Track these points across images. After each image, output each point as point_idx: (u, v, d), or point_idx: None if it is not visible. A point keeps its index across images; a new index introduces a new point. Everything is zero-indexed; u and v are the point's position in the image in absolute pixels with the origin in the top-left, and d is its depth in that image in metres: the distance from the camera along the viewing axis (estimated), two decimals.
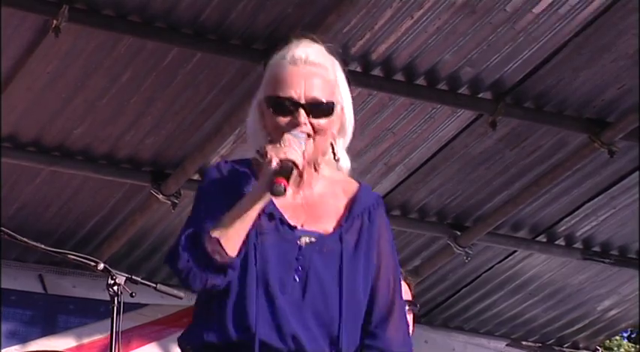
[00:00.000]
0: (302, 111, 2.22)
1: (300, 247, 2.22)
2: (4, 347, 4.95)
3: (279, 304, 2.18)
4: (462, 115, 5.04)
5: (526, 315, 6.28)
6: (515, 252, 5.89)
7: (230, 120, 4.89)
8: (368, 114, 5.01)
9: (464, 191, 5.50)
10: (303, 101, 2.23)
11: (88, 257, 3.83)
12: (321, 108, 2.24)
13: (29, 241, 3.77)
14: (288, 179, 2.17)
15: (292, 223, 2.23)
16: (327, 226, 2.24)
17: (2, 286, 5.12)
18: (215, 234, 2.16)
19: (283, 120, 2.23)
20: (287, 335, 2.17)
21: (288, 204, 2.25)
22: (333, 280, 2.20)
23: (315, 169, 2.26)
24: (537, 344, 6.45)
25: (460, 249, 5.64)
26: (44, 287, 5.45)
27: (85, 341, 5.28)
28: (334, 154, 2.27)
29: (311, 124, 2.23)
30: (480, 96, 4.93)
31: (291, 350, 2.17)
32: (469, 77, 4.82)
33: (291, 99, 2.22)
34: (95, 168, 5.08)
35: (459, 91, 4.89)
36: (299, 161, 2.19)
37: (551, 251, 5.86)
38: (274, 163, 2.17)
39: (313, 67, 2.26)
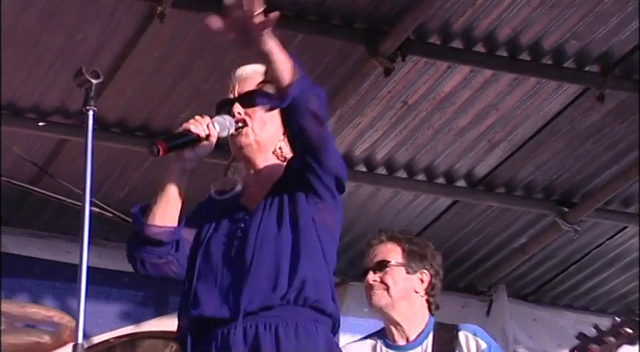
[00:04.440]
0: (236, 104, 2.63)
1: (243, 220, 2.53)
2: (120, 328, 5.09)
3: (222, 276, 2.44)
4: (567, 90, 4.94)
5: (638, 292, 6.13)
6: (625, 228, 5.75)
7: (331, 101, 4.89)
8: (470, 91, 4.95)
9: (571, 167, 5.39)
10: (236, 96, 2.66)
11: None
12: (249, 97, 2.64)
13: None
14: (181, 146, 2.58)
15: (244, 204, 2.58)
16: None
17: (116, 268, 5.26)
18: (144, 218, 2.54)
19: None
20: (224, 304, 2.42)
21: (247, 187, 2.61)
22: (254, 237, 2.46)
23: (261, 150, 2.61)
24: None
25: (568, 225, 5.54)
26: None
27: None
28: (280, 152, 2.61)
29: (247, 114, 2.63)
30: (586, 69, 4.81)
31: (225, 315, 2.41)
32: (575, 50, 4.72)
33: (225, 100, 2.68)
34: None
35: (565, 65, 4.79)
36: (198, 131, 2.58)
37: None
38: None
39: (244, 76, 2.70)
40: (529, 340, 5.99)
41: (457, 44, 4.67)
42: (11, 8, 4.36)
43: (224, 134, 2.61)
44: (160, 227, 2.50)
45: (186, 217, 2.58)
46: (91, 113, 2.73)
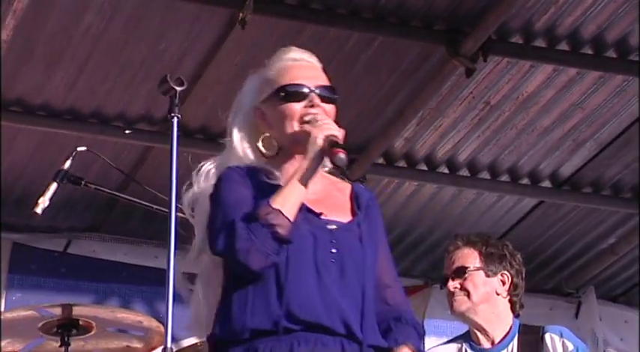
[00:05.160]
0: (315, 95, 2.40)
1: (331, 231, 2.35)
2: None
3: (322, 285, 2.29)
4: None
5: None
6: None
7: (412, 104, 4.88)
8: (554, 91, 4.88)
9: None
10: (314, 86, 2.41)
11: None
12: (330, 94, 2.43)
13: None
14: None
15: (317, 211, 2.37)
16: (344, 215, 2.41)
17: (192, 272, 5.34)
18: (276, 205, 2.28)
19: (297, 105, 2.40)
20: (335, 315, 2.28)
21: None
22: (360, 262, 2.34)
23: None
24: None
25: None
26: None
27: None
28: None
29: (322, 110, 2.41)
30: None
31: (339, 329, 2.28)
32: None
33: (303, 85, 2.41)
34: None
35: None
36: (340, 136, 2.35)
37: None
38: (319, 140, 2.33)
39: (317, 66, 2.49)
40: (620, 342, 5.87)
41: (540, 43, 4.61)
42: (96, 20, 4.45)
43: None
44: (293, 224, 2.30)
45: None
46: (175, 120, 2.78)
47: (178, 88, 2.78)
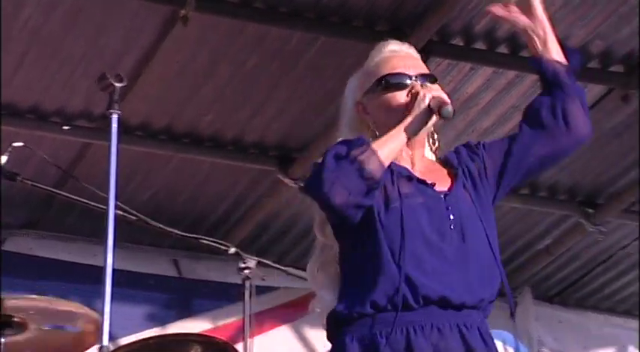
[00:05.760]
0: (417, 83, 2.41)
1: (444, 199, 2.36)
2: (146, 330, 5.11)
3: (441, 255, 2.29)
4: (592, 90, 4.91)
5: None
6: None
7: None
8: (493, 93, 4.93)
9: (595, 167, 5.36)
10: (415, 74, 2.43)
11: (220, 241, 3.92)
12: (431, 80, 2.45)
13: (164, 226, 3.88)
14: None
15: (424, 179, 2.39)
16: (447, 185, 2.42)
17: (141, 270, 5.29)
18: (373, 146, 2.29)
19: (400, 94, 2.41)
20: (458, 286, 2.28)
21: (414, 162, 2.43)
22: (479, 224, 2.37)
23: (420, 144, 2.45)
24: None
25: (593, 227, 5.51)
26: (179, 272, 5.60)
27: (220, 323, 5.39)
28: (436, 140, 2.49)
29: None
30: (611, 69, 4.78)
31: (466, 299, 2.31)
32: (599, 50, 4.69)
33: (404, 74, 2.42)
34: (224, 153, 5.18)
35: (589, 65, 4.76)
36: (448, 100, 2.39)
37: None
38: (427, 99, 2.36)
39: (413, 53, 2.50)
40: (554, 342, 5.96)
41: (480, 45, 4.66)
42: (35, 14, 4.39)
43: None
44: (383, 168, 2.29)
45: None
46: (115, 116, 2.75)
47: (117, 85, 2.76)
